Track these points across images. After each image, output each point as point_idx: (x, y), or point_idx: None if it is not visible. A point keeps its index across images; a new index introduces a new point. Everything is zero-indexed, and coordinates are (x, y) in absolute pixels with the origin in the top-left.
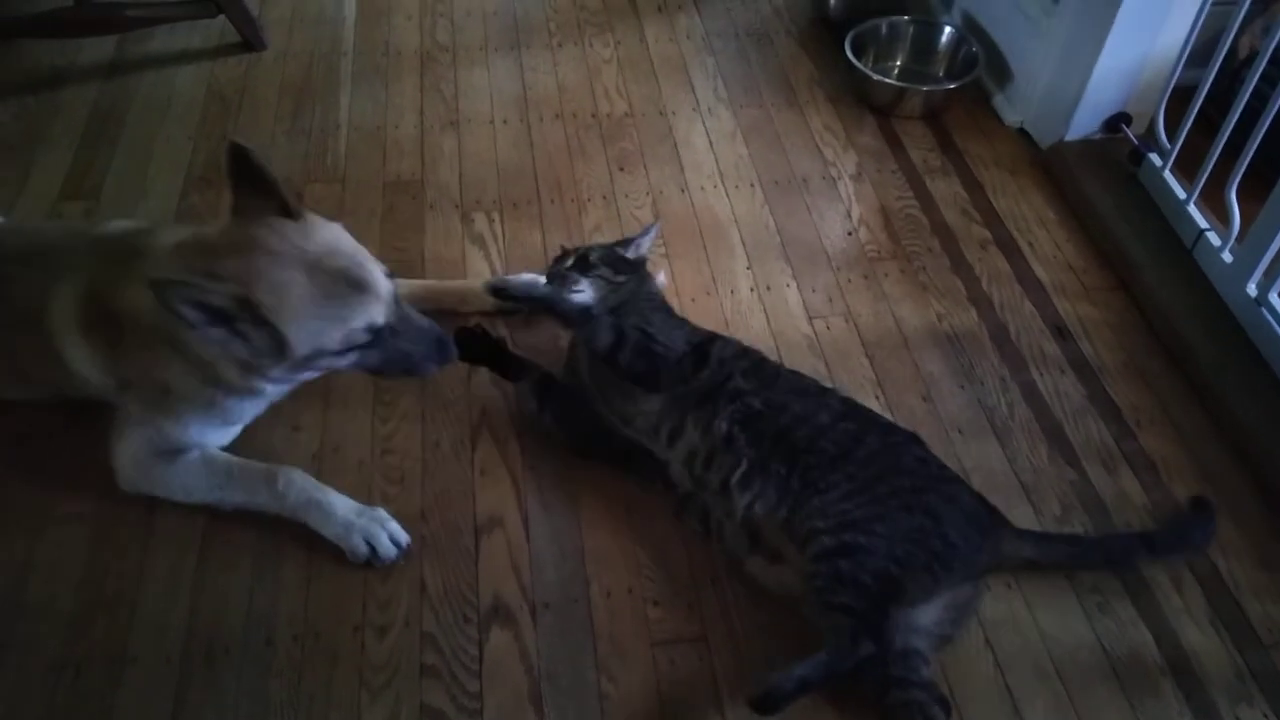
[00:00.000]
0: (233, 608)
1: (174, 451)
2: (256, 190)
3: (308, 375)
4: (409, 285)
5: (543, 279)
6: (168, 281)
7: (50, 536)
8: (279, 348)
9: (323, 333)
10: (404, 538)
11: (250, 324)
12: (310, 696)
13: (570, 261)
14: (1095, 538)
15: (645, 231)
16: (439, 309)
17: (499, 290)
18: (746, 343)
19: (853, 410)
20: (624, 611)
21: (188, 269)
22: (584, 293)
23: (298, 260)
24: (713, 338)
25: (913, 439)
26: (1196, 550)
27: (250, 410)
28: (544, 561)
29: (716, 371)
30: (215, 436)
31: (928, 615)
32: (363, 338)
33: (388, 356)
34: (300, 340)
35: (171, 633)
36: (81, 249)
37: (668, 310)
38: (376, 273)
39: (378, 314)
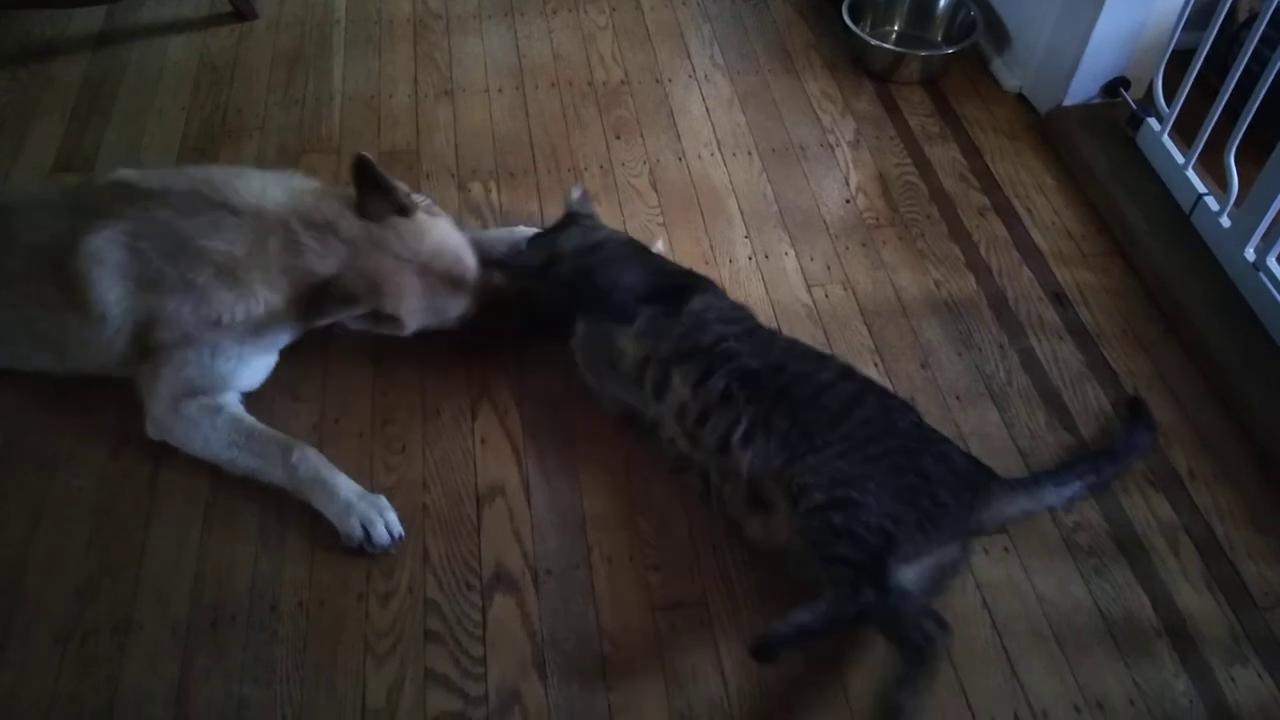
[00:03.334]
0: (238, 575)
1: (208, 395)
2: (378, 192)
3: None
4: None
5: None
6: (328, 300)
7: (54, 507)
8: (396, 328)
9: (427, 320)
10: (399, 530)
11: (374, 319)
12: (316, 663)
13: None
14: (1067, 467)
15: (569, 196)
16: None
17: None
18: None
19: (852, 373)
20: (625, 577)
21: (323, 252)
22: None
23: (413, 263)
24: (691, 289)
25: (906, 406)
26: (1146, 451)
27: (287, 337)
28: (545, 529)
29: (698, 330)
30: (251, 371)
31: (908, 575)
32: (454, 323)
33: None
34: (411, 324)
35: (177, 601)
36: (103, 196)
37: (634, 257)
38: (472, 267)
39: (469, 307)
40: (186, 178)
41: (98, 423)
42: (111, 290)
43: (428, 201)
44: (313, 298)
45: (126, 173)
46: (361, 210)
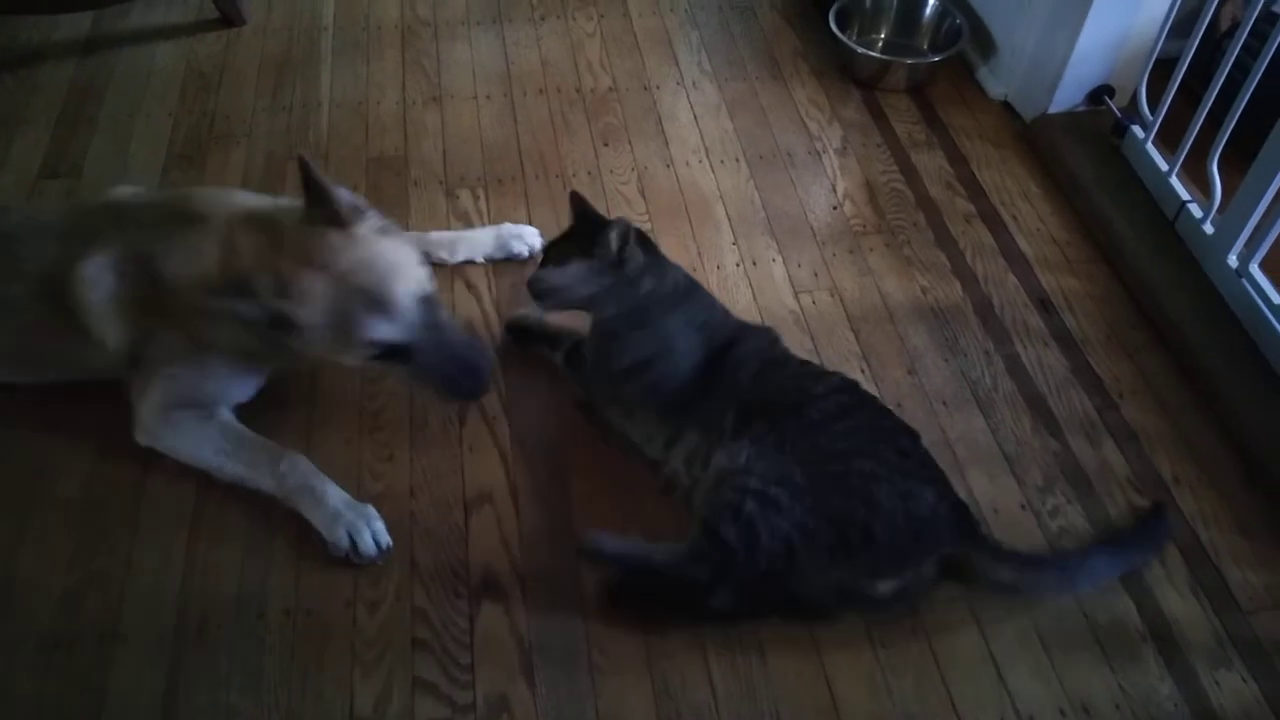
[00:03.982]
0: (224, 584)
1: (196, 406)
2: (316, 196)
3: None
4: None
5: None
6: (220, 295)
7: (40, 515)
8: (297, 340)
9: (335, 339)
10: (386, 540)
11: (283, 328)
12: (303, 671)
13: (616, 244)
14: (1078, 560)
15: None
16: (430, 261)
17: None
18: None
19: (851, 388)
20: None
21: (246, 263)
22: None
23: (330, 273)
24: (732, 345)
25: (906, 432)
26: (1159, 550)
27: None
28: (533, 537)
29: (730, 389)
30: (241, 387)
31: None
32: (372, 351)
33: (416, 374)
34: (314, 341)
35: (163, 609)
36: (97, 219)
37: (692, 311)
38: (400, 296)
39: (389, 333)
40: (168, 195)
41: (84, 431)
42: (106, 316)
43: (380, 220)
44: (222, 287)
45: (121, 192)
46: (308, 216)
